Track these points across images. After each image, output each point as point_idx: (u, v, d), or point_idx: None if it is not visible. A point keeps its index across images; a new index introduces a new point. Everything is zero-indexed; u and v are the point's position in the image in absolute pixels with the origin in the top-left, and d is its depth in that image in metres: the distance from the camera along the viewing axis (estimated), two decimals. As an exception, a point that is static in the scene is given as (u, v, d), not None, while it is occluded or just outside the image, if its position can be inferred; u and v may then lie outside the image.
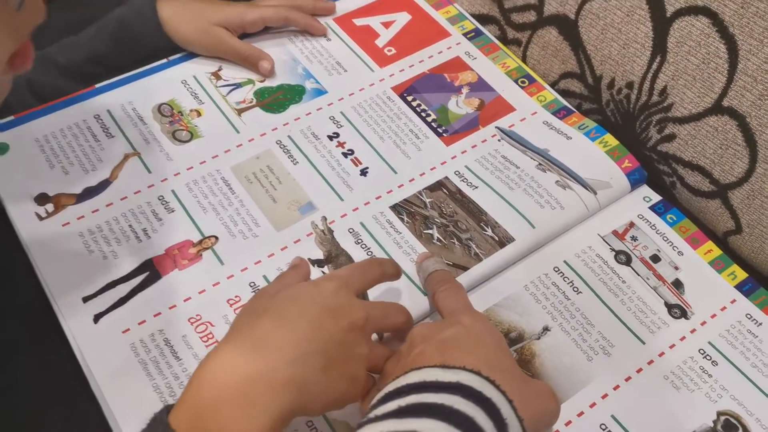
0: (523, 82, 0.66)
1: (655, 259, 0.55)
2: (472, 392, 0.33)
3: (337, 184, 0.57)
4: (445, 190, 0.57)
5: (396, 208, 0.56)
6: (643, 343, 0.50)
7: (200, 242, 0.52)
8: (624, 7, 0.59)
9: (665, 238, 0.56)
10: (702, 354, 0.50)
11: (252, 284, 0.50)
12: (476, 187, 0.57)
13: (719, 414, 0.47)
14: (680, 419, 0.47)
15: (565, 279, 0.53)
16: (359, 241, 0.53)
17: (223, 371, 0.35)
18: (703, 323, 0.52)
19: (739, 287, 0.54)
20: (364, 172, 0.58)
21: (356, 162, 0.58)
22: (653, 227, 0.57)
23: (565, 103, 0.64)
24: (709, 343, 0.51)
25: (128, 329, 0.47)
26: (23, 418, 0.46)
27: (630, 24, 0.59)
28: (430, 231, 0.54)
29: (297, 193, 0.56)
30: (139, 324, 0.48)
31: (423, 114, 0.62)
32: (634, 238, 0.56)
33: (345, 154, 0.59)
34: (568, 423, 0.46)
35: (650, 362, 0.49)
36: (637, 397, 0.48)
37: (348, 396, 0.39)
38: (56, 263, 0.50)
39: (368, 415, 0.32)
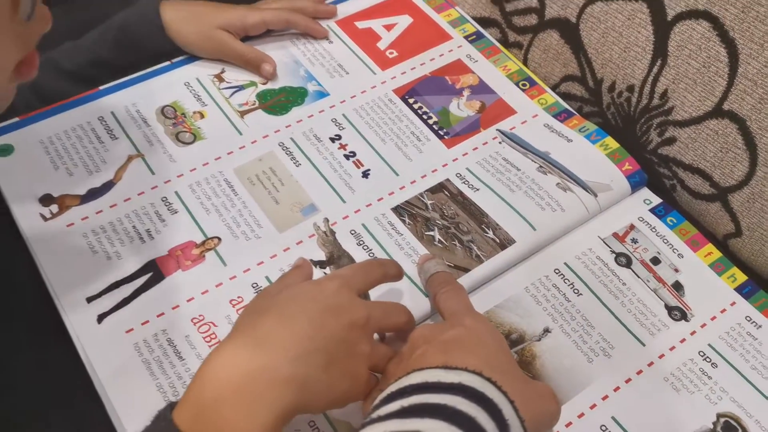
0: (524, 84, 0.66)
1: (656, 261, 0.55)
2: (474, 393, 0.33)
3: (339, 186, 0.57)
4: (446, 192, 0.57)
5: (397, 210, 0.56)
6: (644, 345, 0.50)
7: (203, 243, 0.53)
8: (625, 11, 0.59)
9: (665, 241, 0.56)
10: (702, 356, 0.50)
11: (254, 285, 0.51)
12: (477, 189, 0.57)
13: (719, 416, 0.48)
14: (680, 421, 0.47)
15: (566, 281, 0.53)
16: (361, 242, 0.54)
17: (226, 368, 0.36)
18: (703, 325, 0.52)
19: (739, 290, 0.54)
20: (365, 174, 0.58)
21: (358, 164, 0.59)
22: (653, 230, 0.57)
23: (566, 106, 0.65)
24: (709, 345, 0.51)
25: (132, 329, 0.48)
26: (23, 417, 0.47)
27: (631, 28, 0.59)
28: (431, 233, 0.55)
29: (299, 194, 0.56)
30: (143, 324, 0.48)
31: (424, 116, 0.63)
32: (634, 241, 0.56)
33: (347, 156, 0.59)
34: (569, 424, 0.46)
35: (650, 364, 0.50)
36: (638, 399, 0.48)
37: (350, 394, 0.39)
38: (60, 263, 0.50)
39: (371, 415, 0.32)
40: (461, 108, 0.64)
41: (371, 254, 0.53)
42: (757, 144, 0.54)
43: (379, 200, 0.56)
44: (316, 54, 0.67)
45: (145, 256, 0.51)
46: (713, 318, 0.52)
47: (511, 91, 0.65)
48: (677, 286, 0.54)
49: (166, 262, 0.51)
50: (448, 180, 0.58)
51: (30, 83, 0.57)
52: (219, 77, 0.64)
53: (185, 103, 0.61)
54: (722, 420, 0.47)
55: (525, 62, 0.69)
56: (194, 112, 0.61)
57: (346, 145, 0.60)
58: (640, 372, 0.49)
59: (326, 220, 0.55)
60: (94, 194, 0.54)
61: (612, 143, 0.61)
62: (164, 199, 0.55)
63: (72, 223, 0.52)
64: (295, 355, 0.36)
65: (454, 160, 0.60)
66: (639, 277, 0.54)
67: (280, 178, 0.57)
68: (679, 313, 0.52)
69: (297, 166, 0.58)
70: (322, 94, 0.63)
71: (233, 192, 0.56)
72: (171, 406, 0.35)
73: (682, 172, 0.60)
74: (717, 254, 0.56)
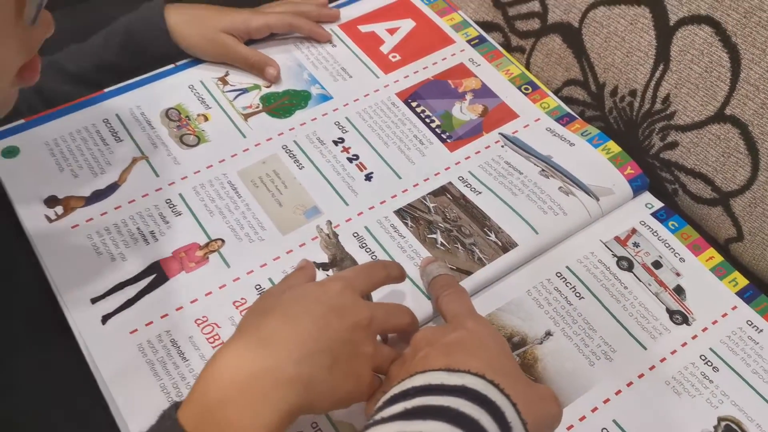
0: (526, 89, 0.66)
1: (657, 265, 0.55)
2: (477, 395, 0.33)
3: (342, 189, 0.57)
4: (448, 195, 0.58)
5: (400, 213, 0.56)
6: (645, 348, 0.51)
7: (207, 245, 0.53)
8: (627, 16, 0.59)
9: (667, 245, 0.56)
10: (703, 360, 0.50)
11: (258, 287, 0.51)
12: (480, 193, 0.58)
13: (720, 420, 0.48)
14: (681, 424, 0.47)
15: (568, 284, 0.53)
16: (363, 245, 0.54)
17: (230, 369, 0.36)
18: (705, 329, 0.52)
19: (740, 294, 0.54)
20: (368, 177, 0.58)
21: (361, 167, 0.59)
22: (655, 234, 0.57)
23: (568, 110, 0.65)
24: (710, 349, 0.51)
25: (136, 330, 0.48)
26: (25, 417, 0.47)
27: (633, 32, 0.59)
28: (433, 235, 0.55)
29: (302, 197, 0.56)
30: (147, 325, 0.48)
31: (427, 120, 0.63)
32: (636, 245, 0.56)
33: (350, 159, 0.59)
34: (570, 427, 0.46)
35: (652, 368, 0.50)
36: (639, 402, 0.48)
37: (353, 395, 0.40)
38: (65, 264, 0.50)
39: (374, 416, 0.33)
40: (464, 112, 0.64)
41: (374, 256, 0.53)
42: (758, 149, 0.54)
43: (381, 203, 0.57)
44: (319, 57, 0.67)
45: (149, 257, 0.52)
46: (714, 322, 0.52)
47: (513, 95, 0.65)
48: (679, 290, 0.54)
49: (169, 264, 0.52)
50: (450, 183, 0.58)
51: (35, 86, 0.57)
52: (223, 80, 0.64)
53: (189, 105, 0.62)
54: (723, 423, 0.48)
55: (527, 66, 0.69)
56: (198, 115, 0.61)
57: (349, 148, 0.60)
58: (641, 375, 0.49)
59: (329, 222, 0.55)
60: (98, 196, 0.55)
61: (614, 147, 0.61)
62: (168, 201, 0.55)
63: (77, 224, 0.53)
64: (299, 356, 0.37)
65: (456, 164, 0.60)
66: (641, 280, 0.54)
67: (284, 180, 0.57)
68: (680, 317, 0.52)
69: (300, 168, 0.58)
70: (325, 98, 0.64)
71: (237, 194, 0.56)
72: (176, 406, 0.35)
73: (684, 176, 0.60)
74: (718, 258, 0.56)
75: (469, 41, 0.69)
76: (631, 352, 0.50)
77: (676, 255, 0.56)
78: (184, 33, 0.63)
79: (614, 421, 0.47)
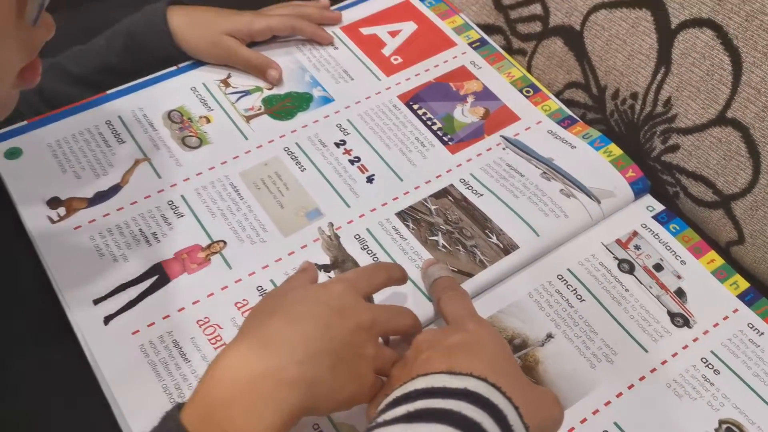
0: (527, 91, 0.66)
1: (658, 268, 0.55)
2: (480, 398, 0.33)
3: (344, 191, 0.57)
4: (450, 198, 0.58)
5: (402, 215, 0.56)
6: (646, 351, 0.51)
7: (209, 246, 0.53)
8: (629, 19, 0.59)
9: (668, 248, 0.56)
10: (704, 363, 0.50)
11: (259, 288, 0.51)
12: (481, 195, 0.58)
13: (721, 422, 0.48)
14: (682, 427, 0.47)
15: (569, 287, 0.54)
16: (365, 247, 0.54)
17: (233, 369, 0.36)
18: (706, 332, 0.52)
19: (742, 297, 0.54)
20: (370, 179, 0.58)
21: (363, 169, 0.59)
22: (656, 236, 0.57)
23: (570, 112, 0.65)
24: (712, 352, 0.51)
25: (138, 330, 0.48)
26: (26, 418, 0.47)
27: (635, 35, 0.59)
28: (435, 237, 0.55)
29: (304, 199, 0.57)
30: (149, 326, 0.48)
31: (429, 122, 0.63)
32: (637, 247, 0.56)
33: (352, 162, 0.60)
34: (571, 429, 0.46)
35: (653, 370, 0.50)
36: (640, 405, 0.48)
37: (356, 396, 0.40)
38: (67, 265, 0.51)
39: (376, 419, 0.33)
40: (465, 114, 0.64)
41: (375, 258, 0.53)
42: (760, 152, 0.54)
43: (383, 205, 0.57)
44: (321, 60, 0.67)
45: (151, 259, 0.52)
46: (716, 325, 0.52)
47: (515, 98, 0.65)
48: (680, 293, 0.54)
49: (171, 265, 0.52)
50: (452, 185, 0.58)
51: (37, 87, 0.58)
52: (225, 82, 0.64)
53: (191, 107, 0.62)
54: (724, 426, 0.48)
55: (529, 69, 0.69)
56: (200, 117, 0.61)
57: (351, 150, 0.60)
58: (642, 378, 0.49)
59: (331, 224, 0.55)
60: (101, 197, 0.55)
61: (616, 150, 0.61)
62: (170, 202, 0.55)
63: (79, 225, 0.53)
64: (302, 357, 0.37)
65: (458, 166, 0.60)
66: (642, 283, 0.54)
67: (286, 182, 0.58)
68: (681, 320, 0.53)
69: (302, 170, 0.58)
70: (327, 100, 0.64)
71: (239, 196, 0.56)
72: (178, 407, 0.35)
73: (685, 179, 0.60)
74: (720, 261, 0.56)
75: (470, 44, 0.70)
76: (632, 354, 0.50)
77: (678, 258, 0.56)
78: (187, 35, 0.63)
79: (615, 423, 0.47)
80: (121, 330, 0.48)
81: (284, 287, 0.44)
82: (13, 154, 0.57)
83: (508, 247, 0.54)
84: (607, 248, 0.56)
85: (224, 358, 0.37)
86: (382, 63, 0.67)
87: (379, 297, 0.50)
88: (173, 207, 0.55)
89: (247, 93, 0.64)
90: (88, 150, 0.58)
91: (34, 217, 0.53)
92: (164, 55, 0.64)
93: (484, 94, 0.65)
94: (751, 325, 0.53)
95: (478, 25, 0.71)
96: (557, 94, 0.67)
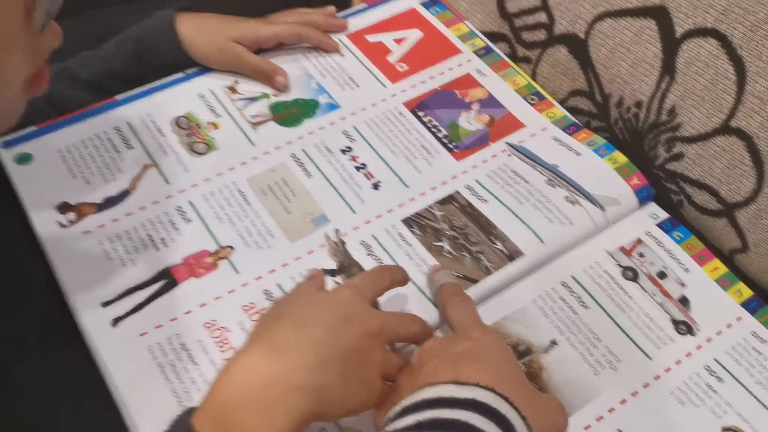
0: (532, 99, 0.67)
1: (662, 275, 0.56)
2: (487, 409, 0.33)
3: (350, 197, 0.58)
4: (455, 204, 0.58)
5: (407, 221, 0.57)
6: (650, 358, 0.51)
7: (216, 252, 0.54)
8: (633, 28, 0.60)
9: (672, 255, 0.57)
10: (708, 370, 0.51)
11: (266, 291, 0.52)
12: (486, 201, 0.58)
13: (724, 430, 0.48)
14: (685, 434, 0.48)
15: (573, 294, 0.54)
16: (371, 252, 0.54)
17: (244, 375, 0.36)
18: (709, 340, 0.52)
19: (745, 305, 0.54)
20: (376, 186, 0.59)
21: (369, 176, 0.60)
22: (660, 244, 0.57)
23: (574, 119, 0.65)
24: (715, 359, 0.51)
25: (146, 333, 0.49)
26: (34, 419, 0.48)
27: (639, 44, 0.60)
28: (440, 243, 0.55)
29: (311, 205, 0.57)
30: (157, 328, 0.49)
31: (434, 130, 0.63)
32: (641, 255, 0.57)
33: (357, 168, 0.60)
34: (575, 436, 0.47)
35: (657, 377, 0.50)
36: (644, 412, 0.48)
37: (364, 402, 0.40)
38: (77, 269, 0.51)
39: (385, 428, 0.33)
40: (470, 122, 0.64)
41: (381, 264, 0.54)
42: (764, 161, 0.54)
43: (389, 212, 0.57)
44: (327, 67, 0.68)
45: (159, 263, 0.52)
46: (719, 333, 0.53)
47: (519, 105, 0.66)
48: (683, 301, 0.54)
49: (179, 270, 0.52)
50: (457, 192, 0.59)
51: (46, 93, 0.58)
52: (232, 89, 0.65)
53: (199, 114, 0.63)
54: (727, 434, 0.48)
55: (533, 77, 0.70)
56: (208, 123, 0.62)
57: (357, 157, 0.61)
58: (646, 385, 0.50)
59: (337, 230, 0.56)
60: (110, 203, 0.55)
61: (620, 158, 0.62)
62: (178, 208, 0.56)
63: (89, 230, 0.53)
64: (311, 363, 0.37)
65: (463, 173, 0.60)
66: (645, 290, 0.54)
67: (292, 188, 0.58)
68: (685, 327, 0.53)
69: (309, 177, 0.59)
70: (333, 107, 0.64)
71: (246, 202, 0.57)
72: (189, 412, 0.36)
73: (689, 187, 0.60)
74: (723, 269, 0.56)
75: (475, 52, 0.70)
76: (636, 361, 0.51)
77: (681, 265, 0.56)
78: (195, 42, 0.64)
79: (619, 430, 0.47)
80: (129, 332, 0.48)
81: (293, 294, 0.44)
82: (24, 159, 0.57)
83: (513, 254, 0.55)
84: (611, 255, 0.56)
85: (235, 363, 0.37)
86: (387, 70, 0.68)
87: (387, 304, 0.50)
88: (181, 212, 0.56)
89: (254, 99, 0.64)
90: (98, 155, 0.58)
91: (45, 222, 0.53)
92: (172, 61, 0.64)
93: (489, 102, 0.66)
94: (754, 333, 0.53)
95: (483, 33, 0.72)
96: (561, 102, 0.68)
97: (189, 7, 0.65)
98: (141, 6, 0.67)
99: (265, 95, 0.65)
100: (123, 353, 0.47)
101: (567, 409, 0.42)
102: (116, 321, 0.49)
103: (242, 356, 0.38)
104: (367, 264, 0.54)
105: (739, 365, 0.51)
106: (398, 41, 0.71)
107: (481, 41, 0.71)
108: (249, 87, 0.65)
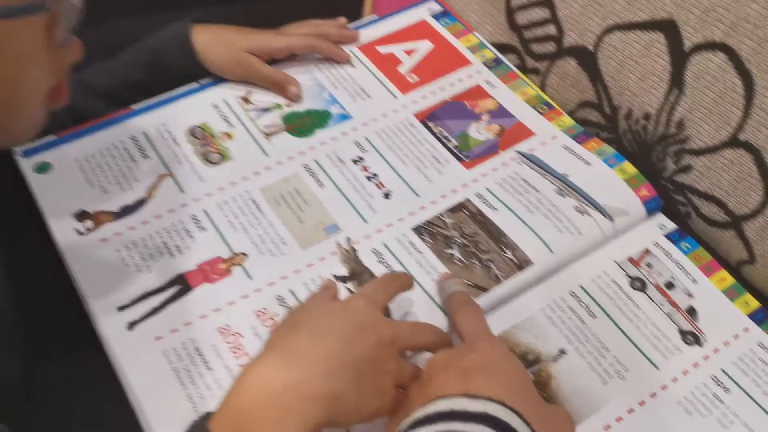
0: (542, 108, 0.67)
1: (670, 286, 0.56)
2: (498, 422, 0.34)
3: (361, 207, 0.59)
4: (466, 212, 0.59)
5: (418, 230, 0.57)
6: (657, 368, 0.51)
7: (230, 258, 0.55)
8: (642, 41, 0.60)
9: (680, 266, 0.57)
10: (714, 381, 0.51)
11: (279, 297, 0.52)
12: (496, 209, 0.59)
13: (731, 440, 0.48)
14: (693, 444, 0.48)
15: (581, 303, 0.54)
16: (382, 260, 0.55)
17: (260, 381, 0.37)
18: (716, 350, 0.53)
19: (752, 316, 0.55)
20: (387, 195, 0.60)
21: (380, 185, 0.60)
22: (668, 255, 0.58)
23: (584, 128, 0.66)
24: (722, 370, 0.52)
25: (161, 337, 0.49)
26: (52, 422, 0.49)
27: (648, 57, 0.60)
28: (451, 251, 0.56)
29: (323, 214, 0.58)
30: (172, 332, 0.50)
31: (444, 140, 0.64)
32: (649, 265, 0.57)
33: (369, 178, 0.61)
34: (583, 444, 0.47)
35: (664, 387, 0.50)
36: (651, 421, 0.49)
37: (377, 410, 0.41)
38: (94, 275, 0.52)
39: None
40: (480, 132, 0.65)
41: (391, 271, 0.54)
42: (771, 173, 0.55)
43: (399, 220, 0.58)
44: (339, 78, 0.69)
45: (174, 269, 0.53)
46: (726, 343, 0.53)
47: (529, 115, 0.66)
48: (691, 311, 0.55)
49: (193, 276, 0.53)
50: (467, 200, 0.60)
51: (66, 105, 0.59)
52: (245, 99, 0.66)
53: (214, 124, 0.64)
54: (734, 444, 0.48)
55: (542, 88, 0.71)
56: (222, 133, 0.63)
57: (369, 167, 0.62)
58: (653, 395, 0.50)
59: (348, 239, 0.56)
60: (127, 211, 0.56)
61: (630, 168, 0.62)
62: (193, 216, 0.57)
63: (106, 238, 0.55)
64: (325, 371, 0.38)
65: (473, 181, 0.61)
66: (653, 301, 0.55)
67: (305, 198, 0.59)
68: (692, 338, 0.53)
69: (321, 187, 0.60)
70: (345, 117, 0.65)
71: (259, 211, 0.58)
72: (207, 416, 0.37)
73: (697, 199, 0.61)
74: (730, 280, 0.57)
75: (485, 63, 0.71)
76: (644, 371, 0.51)
77: (689, 276, 0.57)
78: (210, 53, 0.65)
79: (626, 439, 0.48)
80: (145, 335, 0.49)
81: (307, 304, 0.45)
82: (43, 168, 0.58)
83: (522, 263, 0.55)
84: (620, 266, 0.57)
85: (251, 370, 0.38)
86: (398, 81, 0.69)
87: (398, 311, 0.51)
88: (196, 221, 0.57)
89: (267, 110, 0.65)
90: (114, 165, 0.60)
91: (63, 230, 0.55)
92: (187, 72, 0.65)
93: (499, 112, 0.67)
94: (761, 344, 0.53)
95: (493, 45, 0.73)
96: (570, 114, 0.68)
97: (203, 19, 0.67)
98: (155, 17, 0.69)
99: (278, 106, 0.66)
100: (139, 357, 0.48)
101: (575, 418, 0.42)
102: (132, 325, 0.50)
103: (258, 364, 0.38)
104: (379, 271, 0.54)
105: (746, 376, 0.51)
106: (409, 52, 0.72)
107: (491, 53, 0.72)
108: (262, 97, 0.66)
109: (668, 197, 0.63)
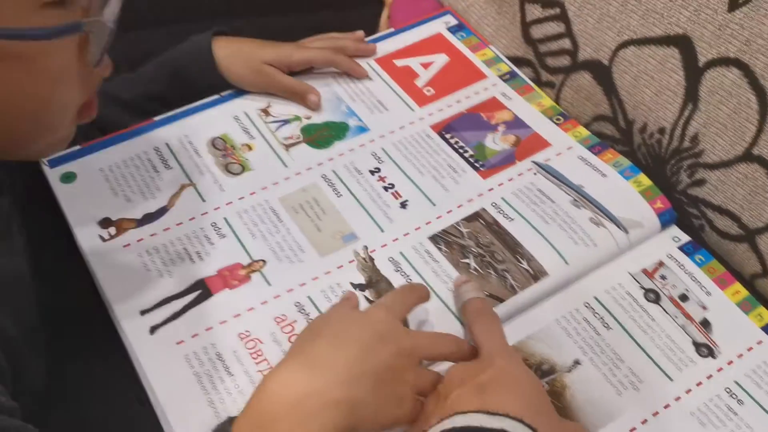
0: (558, 119, 0.68)
1: (684, 298, 0.56)
2: None
3: (378, 216, 0.60)
4: (481, 221, 0.59)
5: (434, 239, 0.58)
6: (671, 379, 0.52)
7: (249, 265, 0.56)
8: (657, 56, 0.61)
9: (693, 278, 0.58)
10: (728, 393, 0.51)
11: (297, 304, 0.53)
12: (512, 219, 0.59)
13: (745, 452, 0.49)
14: (707, 455, 0.48)
15: (596, 315, 0.55)
16: (399, 269, 0.56)
17: (282, 387, 0.38)
18: (730, 362, 0.53)
19: (766, 329, 0.55)
20: (404, 205, 0.61)
21: (396, 195, 0.61)
22: (682, 267, 0.58)
23: (599, 139, 0.67)
24: (736, 382, 0.52)
25: (182, 341, 0.50)
26: (76, 424, 0.50)
27: (663, 72, 0.61)
28: (467, 260, 0.57)
29: (340, 223, 0.59)
30: (193, 337, 0.51)
31: (461, 150, 0.65)
32: (663, 277, 0.57)
33: (386, 188, 0.62)
34: (597, 454, 0.48)
35: (678, 399, 0.51)
36: (665, 432, 0.49)
37: (397, 418, 0.41)
38: (117, 280, 0.53)
39: None
40: (496, 142, 0.66)
41: (409, 280, 0.55)
42: (785, 187, 0.55)
43: (416, 229, 0.59)
44: (357, 91, 0.70)
45: (194, 275, 0.54)
46: (740, 356, 0.53)
47: (545, 125, 0.67)
48: (705, 323, 0.55)
49: (214, 281, 0.54)
50: (483, 209, 0.60)
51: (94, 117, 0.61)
52: (265, 111, 0.67)
53: (234, 135, 0.65)
54: (749, 456, 0.48)
55: (557, 101, 0.71)
56: (242, 145, 0.64)
57: (385, 177, 0.63)
58: (667, 406, 0.50)
59: (365, 247, 0.57)
60: (149, 218, 0.58)
61: (645, 180, 0.63)
62: (213, 224, 0.58)
63: (128, 244, 0.56)
64: (346, 379, 0.39)
65: (489, 190, 0.62)
66: (667, 313, 0.55)
67: (323, 207, 0.60)
68: (706, 350, 0.54)
69: (338, 196, 0.61)
70: (362, 129, 0.66)
71: (278, 219, 0.59)
72: (230, 421, 0.38)
73: (710, 212, 0.61)
74: (744, 293, 0.57)
75: (500, 76, 0.72)
76: (658, 382, 0.51)
77: (703, 288, 0.57)
78: (231, 65, 0.66)
79: (641, 449, 0.48)
80: (166, 339, 0.50)
81: (329, 314, 0.46)
82: (68, 178, 0.60)
83: (538, 273, 0.56)
84: (634, 277, 0.57)
85: (274, 376, 0.39)
86: (415, 94, 0.70)
87: (414, 320, 0.52)
88: (216, 228, 0.58)
89: (286, 122, 0.67)
90: (138, 175, 0.61)
91: (87, 236, 0.56)
92: (208, 84, 0.67)
93: (515, 123, 0.67)
94: (775, 357, 0.54)
95: (508, 58, 0.73)
96: (585, 127, 0.69)
97: (223, 31, 0.68)
98: (176, 29, 0.70)
99: (297, 118, 0.67)
100: (161, 361, 0.49)
101: (589, 428, 0.43)
102: (154, 329, 0.51)
103: (280, 370, 0.39)
104: (396, 280, 0.55)
105: (760, 388, 0.52)
106: (425, 66, 0.73)
107: (506, 66, 0.73)
108: (281, 109, 0.67)
109: (682, 210, 0.63)
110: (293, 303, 0.53)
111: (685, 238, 0.60)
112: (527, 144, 0.66)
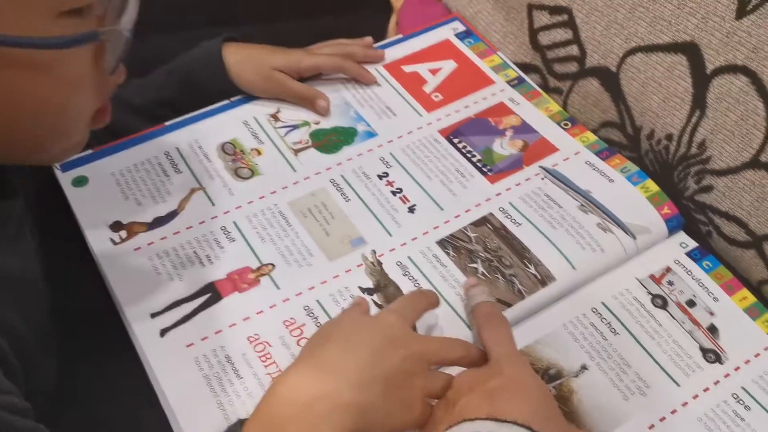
0: (565, 124, 0.68)
1: (691, 304, 0.56)
2: None
3: (387, 221, 0.60)
4: (489, 226, 0.60)
5: (442, 243, 0.58)
6: (678, 385, 0.52)
7: (258, 269, 0.56)
8: (665, 63, 0.62)
9: (701, 284, 0.58)
10: (735, 398, 0.51)
11: (306, 307, 0.54)
12: (520, 224, 0.60)
13: (753, 458, 0.49)
14: (714, 461, 0.48)
15: (603, 320, 0.55)
16: (407, 273, 0.56)
17: (292, 390, 0.38)
18: (737, 368, 0.53)
19: (774, 335, 0.55)
20: (411, 209, 0.61)
21: (404, 200, 0.62)
22: (689, 273, 0.58)
23: (607, 144, 0.67)
24: (743, 388, 0.52)
25: (192, 344, 0.51)
26: (87, 425, 0.50)
27: (671, 79, 0.61)
28: (474, 265, 0.57)
29: (349, 228, 0.59)
30: (202, 340, 0.51)
31: (468, 155, 0.65)
32: (670, 283, 0.58)
33: (394, 193, 0.62)
34: (604, 459, 0.48)
35: (685, 404, 0.51)
36: (672, 438, 0.49)
37: (406, 423, 0.42)
38: (127, 283, 0.54)
39: None
40: (504, 147, 0.66)
41: (417, 284, 0.56)
42: (792, 194, 0.55)
43: (424, 234, 0.59)
44: (365, 96, 0.70)
45: (204, 278, 0.55)
46: (747, 362, 0.53)
47: (553, 130, 0.67)
48: (712, 329, 0.55)
49: (223, 285, 0.55)
50: (491, 214, 0.60)
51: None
52: (275, 116, 0.68)
53: (244, 140, 0.65)
54: (756, 462, 0.48)
55: (564, 107, 0.72)
56: (252, 149, 0.65)
57: (393, 182, 0.63)
58: (674, 411, 0.50)
59: (374, 252, 0.58)
60: (159, 222, 0.58)
61: (652, 186, 0.63)
62: (223, 228, 0.58)
63: (139, 247, 0.56)
64: (356, 382, 0.39)
65: (497, 195, 0.62)
66: (675, 318, 0.55)
67: (331, 212, 0.60)
68: (713, 356, 0.54)
69: (347, 201, 0.61)
70: (370, 134, 0.67)
71: (287, 223, 0.59)
72: (240, 423, 0.38)
73: (718, 218, 0.61)
74: (752, 299, 0.57)
75: (508, 82, 0.72)
76: (665, 388, 0.51)
77: (710, 294, 0.57)
78: (241, 71, 0.67)
79: (648, 455, 0.48)
80: (176, 342, 0.51)
81: (339, 318, 0.47)
82: (80, 182, 0.61)
83: (545, 278, 0.56)
84: (641, 283, 0.57)
85: (285, 379, 0.39)
86: (423, 100, 0.70)
87: (422, 325, 0.52)
88: (225, 232, 0.58)
89: (295, 127, 0.67)
90: (148, 179, 0.62)
91: (98, 240, 0.57)
92: (218, 90, 0.67)
93: (523, 128, 0.68)
94: (782, 363, 0.54)
95: (515, 64, 0.74)
96: (592, 133, 0.69)
97: (233, 37, 0.69)
98: (187, 35, 0.71)
99: (306, 123, 0.68)
100: (171, 363, 0.50)
101: (597, 432, 0.43)
102: (164, 331, 0.51)
103: (290, 374, 0.40)
104: (403, 284, 0.56)
105: (767, 394, 0.52)
106: (433, 71, 0.73)
107: (514, 72, 0.73)
108: (290, 115, 0.68)
109: (689, 216, 0.63)
110: (302, 306, 0.54)
111: (693, 244, 0.60)
112: (535, 149, 0.66)
